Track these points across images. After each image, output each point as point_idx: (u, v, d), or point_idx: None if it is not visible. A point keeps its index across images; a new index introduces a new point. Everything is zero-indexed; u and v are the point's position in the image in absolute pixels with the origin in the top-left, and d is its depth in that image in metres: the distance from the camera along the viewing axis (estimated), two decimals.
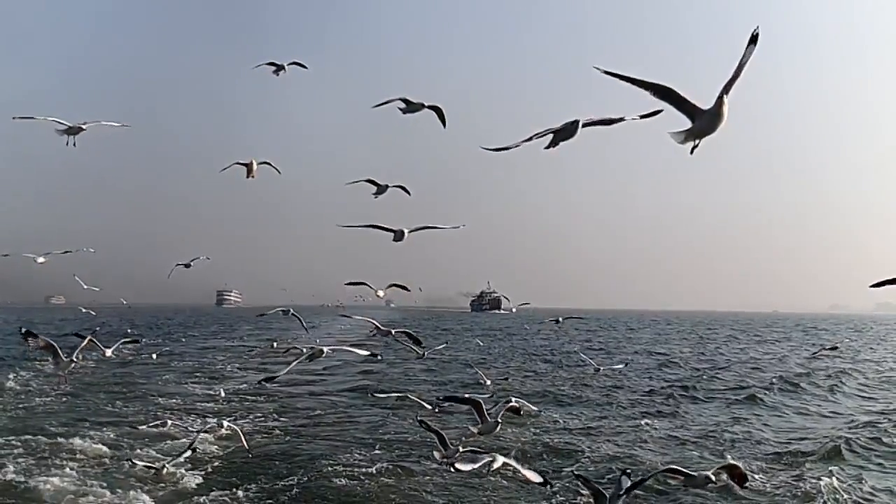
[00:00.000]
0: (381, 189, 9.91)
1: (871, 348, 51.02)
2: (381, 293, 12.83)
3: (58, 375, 10.65)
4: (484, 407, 10.58)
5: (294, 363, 9.36)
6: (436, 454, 10.12)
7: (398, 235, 8.80)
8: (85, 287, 20.66)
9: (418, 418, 10.40)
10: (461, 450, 9.56)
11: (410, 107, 8.53)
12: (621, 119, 5.34)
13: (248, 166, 10.06)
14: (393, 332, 13.13)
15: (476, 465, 7.89)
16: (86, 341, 10.44)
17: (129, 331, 55.34)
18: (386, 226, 8.86)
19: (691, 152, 4.91)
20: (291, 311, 14.04)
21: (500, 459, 8.31)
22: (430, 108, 8.61)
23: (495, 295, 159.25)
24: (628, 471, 7.88)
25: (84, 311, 33.86)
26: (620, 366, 24.47)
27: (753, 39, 4.58)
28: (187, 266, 14.28)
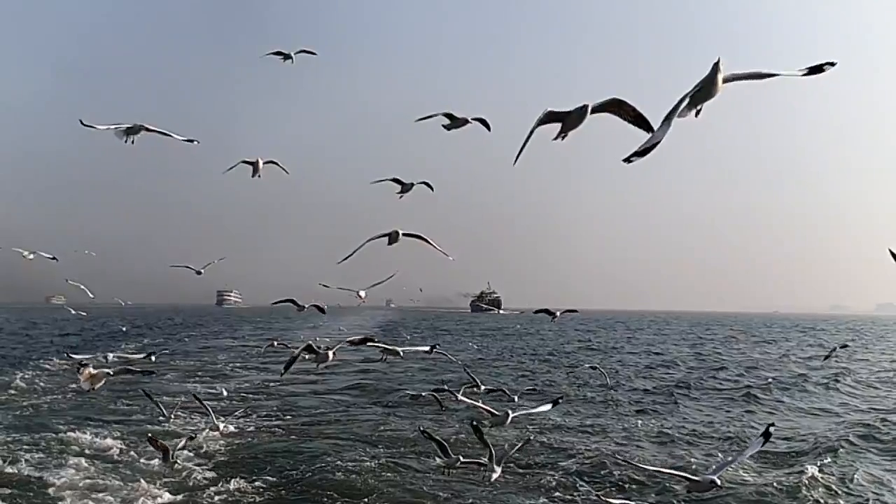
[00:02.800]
0: (405, 188, 9.69)
1: (867, 348, 51.30)
2: (362, 293, 12.76)
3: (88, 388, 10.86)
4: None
5: (298, 352, 9.45)
6: (437, 461, 10.43)
7: (392, 238, 8.62)
8: (82, 288, 20.88)
9: (420, 428, 10.62)
10: (462, 459, 9.88)
11: (455, 122, 8.23)
12: (636, 113, 5.25)
13: (255, 165, 9.74)
14: (401, 351, 13.20)
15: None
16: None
17: (123, 329, 55.42)
18: (379, 234, 8.67)
19: (696, 115, 4.95)
20: (307, 305, 13.80)
21: (497, 471, 8.85)
22: (476, 120, 8.33)
23: (495, 295, 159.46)
24: None
25: (74, 312, 33.98)
26: (611, 381, 23.46)
27: (815, 70, 4.75)
28: (199, 273, 14.30)
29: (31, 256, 13.63)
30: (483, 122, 8.42)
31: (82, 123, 7.65)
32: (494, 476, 9.40)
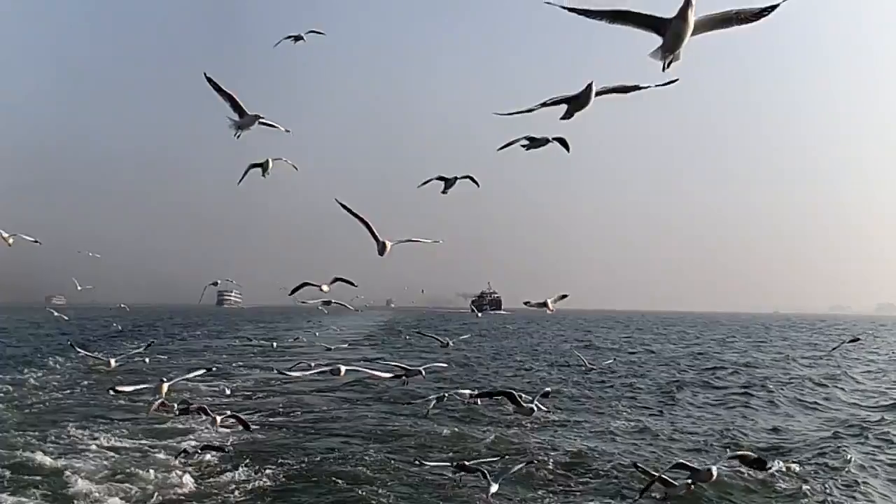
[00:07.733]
0: (449, 183, 9.66)
1: (863, 346, 51.57)
2: (325, 287, 12.86)
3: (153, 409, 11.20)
4: (516, 395, 11.44)
5: (314, 369, 9.78)
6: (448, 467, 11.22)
7: (381, 249, 8.61)
8: (80, 288, 21.16)
9: (455, 464, 11.06)
10: (466, 465, 10.48)
11: (535, 143, 8.22)
12: (636, 87, 5.28)
13: (264, 166, 9.62)
14: (423, 371, 13.21)
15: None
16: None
17: (119, 328, 55.62)
18: (376, 232, 8.64)
19: (663, 69, 4.76)
20: (333, 301, 13.91)
21: (494, 487, 9.40)
22: (556, 140, 8.21)
23: (496, 296, 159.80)
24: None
25: (56, 315, 34.07)
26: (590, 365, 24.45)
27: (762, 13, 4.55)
28: (215, 284, 14.69)
29: (11, 240, 13.61)
30: (562, 141, 8.19)
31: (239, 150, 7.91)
32: (493, 490, 9.96)
